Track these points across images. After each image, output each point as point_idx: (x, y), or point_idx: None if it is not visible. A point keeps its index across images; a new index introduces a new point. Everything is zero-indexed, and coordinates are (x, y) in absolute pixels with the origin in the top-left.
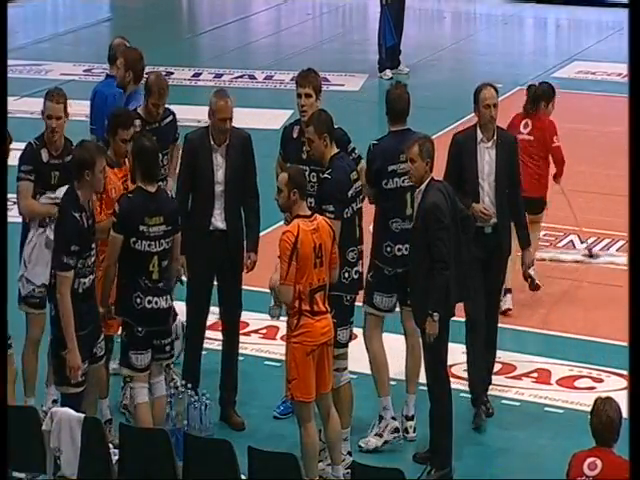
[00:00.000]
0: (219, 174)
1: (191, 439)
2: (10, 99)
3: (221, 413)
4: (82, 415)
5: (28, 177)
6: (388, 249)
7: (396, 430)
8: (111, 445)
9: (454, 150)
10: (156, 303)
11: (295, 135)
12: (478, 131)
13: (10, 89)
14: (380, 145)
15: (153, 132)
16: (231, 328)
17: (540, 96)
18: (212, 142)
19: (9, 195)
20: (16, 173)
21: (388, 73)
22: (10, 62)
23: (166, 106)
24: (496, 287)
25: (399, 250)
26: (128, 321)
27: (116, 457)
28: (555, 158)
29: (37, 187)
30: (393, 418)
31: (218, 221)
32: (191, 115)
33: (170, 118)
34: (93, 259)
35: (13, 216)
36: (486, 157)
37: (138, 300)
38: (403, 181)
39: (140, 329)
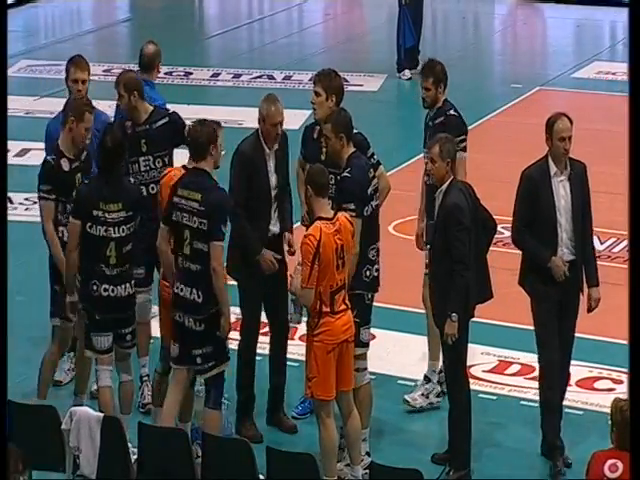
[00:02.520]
0: (273, 179)
1: (210, 439)
2: (30, 99)
3: (270, 418)
4: (101, 414)
5: (47, 196)
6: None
7: (440, 394)
8: (130, 444)
9: (528, 187)
10: (112, 291)
11: (315, 136)
12: (550, 164)
13: (30, 89)
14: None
15: (142, 134)
16: (279, 331)
17: None
18: (265, 148)
19: (13, 195)
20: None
21: (407, 73)
22: (30, 62)
23: (166, 108)
24: (573, 329)
25: None
26: (87, 306)
27: (135, 456)
28: None
29: (60, 200)
30: (439, 383)
31: (273, 225)
32: (209, 115)
33: (164, 120)
34: None
35: (13, 214)
36: (561, 191)
37: (94, 287)
38: None
39: (97, 315)
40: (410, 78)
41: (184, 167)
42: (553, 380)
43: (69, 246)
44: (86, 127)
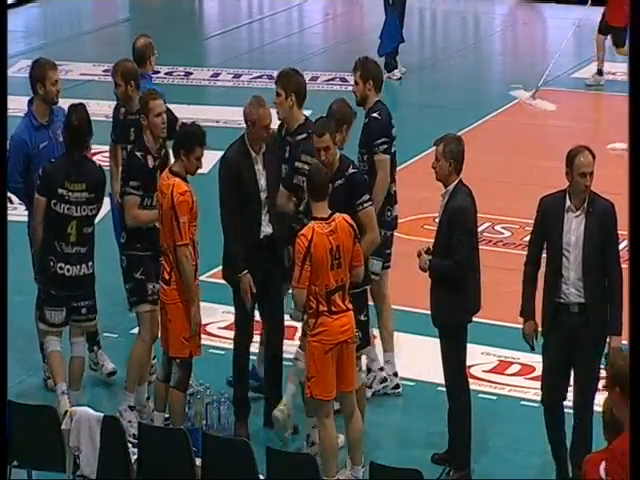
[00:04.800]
0: (262, 182)
1: (210, 439)
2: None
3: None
4: (101, 414)
5: (135, 192)
6: (388, 213)
7: (384, 380)
8: (130, 444)
9: (541, 216)
10: (68, 270)
11: (283, 134)
12: (567, 197)
13: (30, 89)
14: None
15: (132, 123)
16: (275, 332)
17: None
18: (252, 152)
19: (13, 195)
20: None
21: (397, 73)
22: (30, 62)
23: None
24: (587, 380)
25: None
26: (42, 280)
27: (135, 456)
28: None
29: (146, 194)
30: (381, 369)
31: (266, 227)
32: (209, 115)
33: None
34: None
35: (13, 214)
36: (573, 226)
37: (51, 264)
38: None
39: (52, 291)
40: (400, 78)
41: (169, 169)
42: (553, 414)
43: (36, 221)
44: (156, 113)
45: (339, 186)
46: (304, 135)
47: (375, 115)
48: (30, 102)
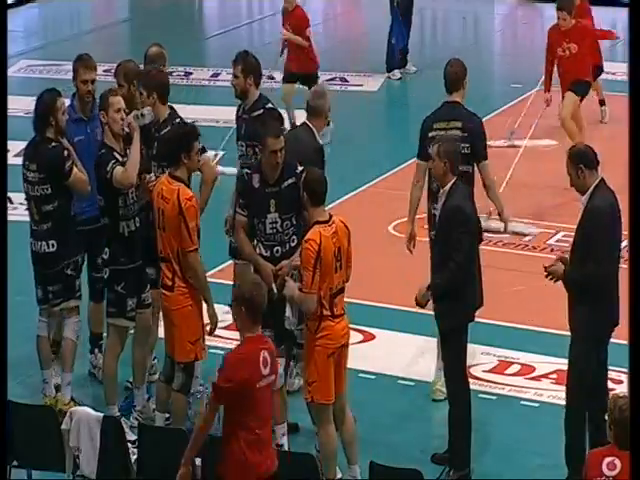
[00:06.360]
0: None
1: (209, 439)
2: (30, 99)
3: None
4: (101, 414)
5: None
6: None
7: None
8: (130, 444)
9: None
10: (34, 245)
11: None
12: None
13: (30, 89)
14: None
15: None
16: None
17: None
18: (320, 141)
19: (13, 195)
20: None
21: (397, 73)
22: (30, 62)
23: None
24: (571, 375)
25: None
26: None
27: (135, 456)
28: None
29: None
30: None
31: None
32: (209, 115)
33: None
34: None
35: (13, 214)
36: (579, 217)
37: (30, 239)
38: None
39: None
40: (400, 78)
41: (169, 174)
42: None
43: None
44: (116, 109)
45: (291, 185)
46: (167, 128)
47: (259, 113)
48: (73, 95)
